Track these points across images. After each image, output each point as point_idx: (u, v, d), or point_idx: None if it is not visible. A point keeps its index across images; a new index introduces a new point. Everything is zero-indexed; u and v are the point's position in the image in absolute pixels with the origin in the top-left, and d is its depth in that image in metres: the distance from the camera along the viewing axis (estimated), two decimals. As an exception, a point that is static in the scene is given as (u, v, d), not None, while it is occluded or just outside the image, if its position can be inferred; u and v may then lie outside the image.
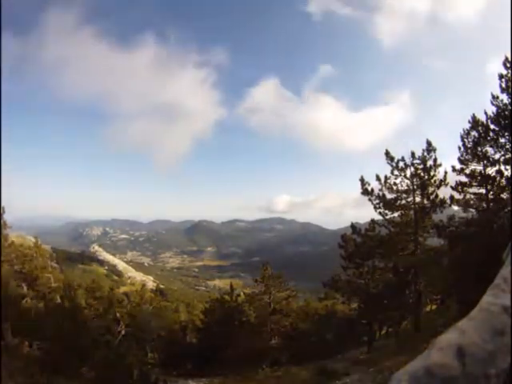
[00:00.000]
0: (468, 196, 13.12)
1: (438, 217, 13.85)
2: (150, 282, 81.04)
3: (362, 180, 14.14)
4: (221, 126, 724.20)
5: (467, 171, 12.94)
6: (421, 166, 13.61)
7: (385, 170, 14.03)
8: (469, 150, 12.69)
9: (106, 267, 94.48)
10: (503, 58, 11.23)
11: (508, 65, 11.09)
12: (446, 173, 13.49)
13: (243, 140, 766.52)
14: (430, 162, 13.50)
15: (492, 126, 12.02)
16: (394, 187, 13.86)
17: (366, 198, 14.10)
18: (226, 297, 18.37)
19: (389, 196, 13.94)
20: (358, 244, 14.67)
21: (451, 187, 13.43)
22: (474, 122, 12.45)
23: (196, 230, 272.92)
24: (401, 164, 13.75)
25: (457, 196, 13.28)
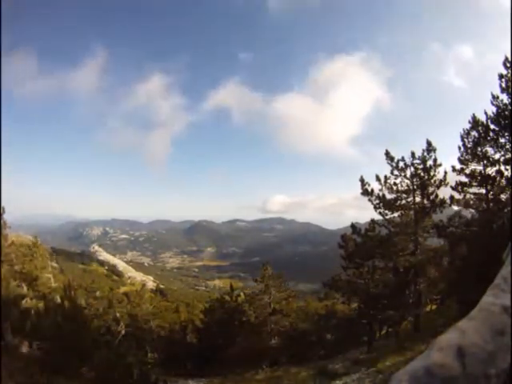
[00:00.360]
0: (468, 196, 13.13)
1: (438, 217, 13.84)
2: (150, 282, 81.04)
3: (361, 180, 14.12)
4: (198, 127, 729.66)
5: (467, 171, 12.95)
6: (421, 166, 13.59)
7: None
8: (469, 150, 12.70)
9: (106, 267, 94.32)
10: (503, 58, 11.24)
11: (508, 65, 11.09)
12: (445, 173, 13.46)
13: (233, 140, 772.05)
14: (429, 162, 13.48)
15: (492, 126, 12.02)
16: (394, 187, 13.84)
17: (366, 198, 14.10)
18: (226, 297, 18.35)
19: (389, 196, 13.93)
20: (358, 244, 14.65)
21: (451, 187, 13.43)
22: (474, 122, 12.45)
23: (196, 230, 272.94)
24: (401, 164, 13.74)
25: (457, 196, 13.29)
